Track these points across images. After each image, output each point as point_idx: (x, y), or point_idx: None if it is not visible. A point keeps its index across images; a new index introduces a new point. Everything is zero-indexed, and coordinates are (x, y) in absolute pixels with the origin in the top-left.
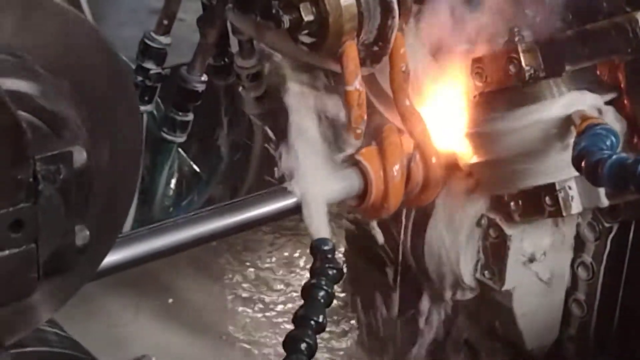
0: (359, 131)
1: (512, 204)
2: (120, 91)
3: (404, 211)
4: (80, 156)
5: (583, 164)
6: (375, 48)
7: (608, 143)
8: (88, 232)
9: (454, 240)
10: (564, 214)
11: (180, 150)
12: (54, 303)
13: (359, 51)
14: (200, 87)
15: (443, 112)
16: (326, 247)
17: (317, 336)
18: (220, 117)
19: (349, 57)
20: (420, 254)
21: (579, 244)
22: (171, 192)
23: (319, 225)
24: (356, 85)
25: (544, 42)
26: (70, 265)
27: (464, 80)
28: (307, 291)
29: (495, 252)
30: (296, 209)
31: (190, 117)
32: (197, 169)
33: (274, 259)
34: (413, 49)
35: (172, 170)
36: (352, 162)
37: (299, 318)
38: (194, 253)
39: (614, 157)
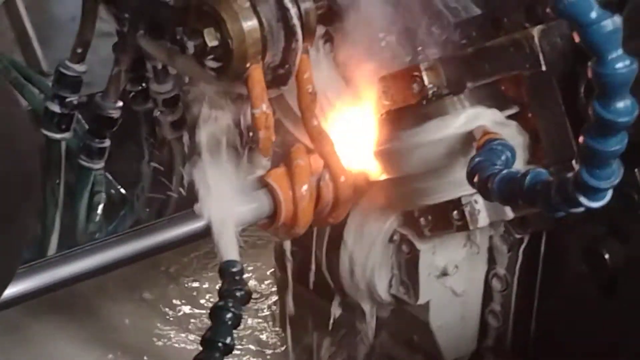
0: (267, 152)
1: (422, 219)
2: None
3: (316, 230)
4: None
5: (475, 179)
6: (281, 71)
7: (503, 158)
8: None
9: (367, 257)
10: (471, 227)
11: (107, 175)
12: None
13: (266, 74)
14: (115, 114)
15: (352, 131)
16: (234, 269)
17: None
18: (140, 142)
19: (254, 81)
20: (335, 271)
21: (493, 256)
22: (97, 218)
23: (228, 247)
24: (263, 108)
25: (445, 60)
26: None
27: (373, 100)
28: (215, 313)
29: (408, 268)
30: (205, 232)
31: (106, 143)
32: (124, 192)
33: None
34: (322, 69)
35: (99, 195)
36: (262, 183)
37: (206, 340)
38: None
39: (504, 172)
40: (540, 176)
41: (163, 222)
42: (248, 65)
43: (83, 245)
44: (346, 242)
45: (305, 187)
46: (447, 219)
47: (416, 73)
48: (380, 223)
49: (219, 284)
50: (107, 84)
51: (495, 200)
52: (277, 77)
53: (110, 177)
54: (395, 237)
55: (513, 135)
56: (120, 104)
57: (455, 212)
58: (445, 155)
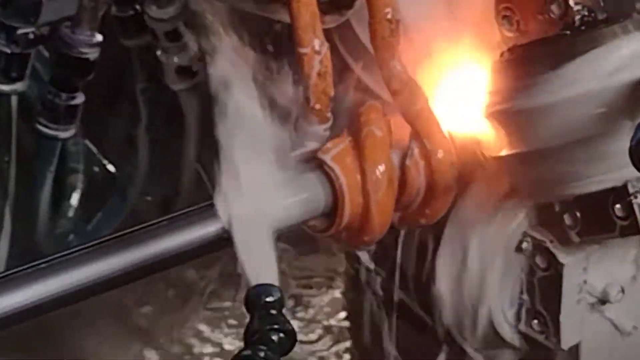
0: (323, 114)
1: (566, 216)
2: None
3: (401, 233)
4: None
5: None
6: None
7: None
8: None
9: (481, 276)
10: None
11: (89, 144)
12: None
13: None
14: (92, 53)
15: (457, 80)
16: (269, 299)
17: None
18: (135, 96)
19: (300, 3)
20: (428, 296)
21: None
22: (70, 212)
23: (260, 263)
24: (315, 45)
25: None
26: None
27: (489, 30)
28: None
29: (546, 291)
30: (222, 241)
31: (79, 99)
32: (114, 170)
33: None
34: None
35: (74, 177)
36: (314, 163)
37: None
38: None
39: None
40: None
41: (158, 226)
42: None
43: (48, 258)
44: (444, 253)
45: (381, 167)
46: (606, 216)
47: None
48: (502, 223)
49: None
50: (78, 8)
51: None
52: None
53: (93, 148)
54: (526, 245)
55: None
56: (99, 37)
57: (618, 206)
58: (600, 117)
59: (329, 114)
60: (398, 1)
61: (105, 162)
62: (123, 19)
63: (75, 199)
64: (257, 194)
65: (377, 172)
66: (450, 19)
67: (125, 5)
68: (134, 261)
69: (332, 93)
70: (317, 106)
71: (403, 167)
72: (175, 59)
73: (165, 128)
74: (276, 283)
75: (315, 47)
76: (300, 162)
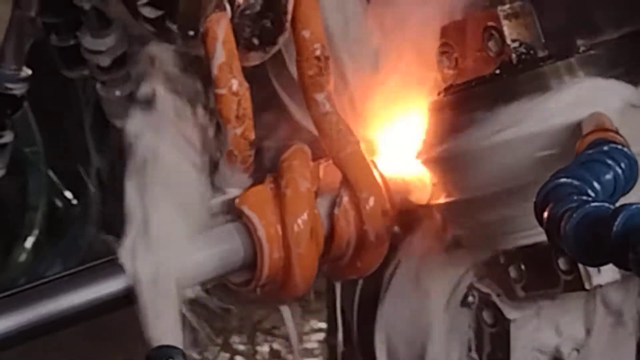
0: (243, 159)
1: (511, 269)
2: None
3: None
4: None
5: (546, 212)
6: (266, 21)
7: (608, 177)
8: None
9: (425, 332)
10: (587, 286)
11: (51, 174)
12: None
13: (239, 28)
14: (19, 89)
15: (392, 122)
16: None
17: None
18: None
19: (216, 40)
20: (371, 352)
21: None
22: (24, 256)
23: (164, 323)
24: (232, 85)
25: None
26: None
27: (428, 68)
28: None
29: (495, 349)
30: (126, 298)
31: (7, 137)
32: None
33: None
34: (342, 16)
35: (31, 216)
36: (233, 213)
37: None
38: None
39: (591, 205)
40: (638, 216)
41: (58, 282)
42: (205, 13)
43: None
44: (387, 307)
45: (303, 216)
46: (551, 270)
47: (491, 23)
48: (447, 275)
49: None
50: (5, 36)
51: (570, 254)
52: (260, 32)
53: (55, 179)
54: (472, 299)
55: None
56: (27, 72)
57: (562, 260)
58: (539, 162)
59: (250, 159)
60: (331, 37)
61: (66, 193)
62: (63, 49)
63: (30, 242)
64: (167, 247)
65: (299, 224)
66: (389, 55)
67: (66, 34)
68: (31, 319)
69: (252, 137)
70: (236, 151)
71: (332, 217)
72: (117, 92)
73: (111, 166)
74: (179, 344)
75: (232, 88)
76: (220, 211)
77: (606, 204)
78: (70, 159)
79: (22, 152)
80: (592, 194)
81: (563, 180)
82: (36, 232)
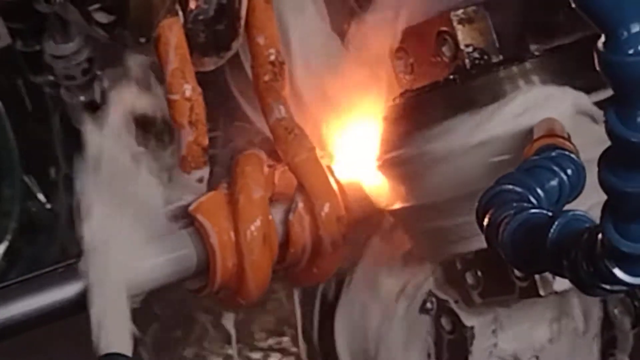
0: (197, 165)
1: (468, 275)
2: None
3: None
4: None
5: (486, 218)
6: (219, 26)
7: (553, 183)
8: None
9: (382, 339)
10: (542, 292)
11: (25, 178)
12: None
13: (193, 33)
14: None
15: (348, 127)
16: None
17: None
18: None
19: (168, 45)
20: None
21: (610, 336)
22: None
23: (113, 330)
24: (185, 91)
25: (496, 4)
26: None
27: (385, 73)
28: None
29: (454, 356)
30: (81, 303)
31: None
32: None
33: None
34: (301, 20)
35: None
36: (187, 219)
37: None
38: None
39: (529, 212)
40: (574, 223)
41: (11, 287)
42: (157, 17)
43: None
44: (343, 313)
45: (256, 222)
46: (506, 276)
47: (444, 27)
48: (405, 281)
49: None
50: None
51: (508, 261)
52: (214, 37)
53: (31, 184)
54: (430, 305)
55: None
56: None
57: None
58: (492, 168)
59: (204, 165)
60: (289, 41)
61: (41, 197)
62: (28, 54)
63: (2, 248)
64: (119, 253)
65: (252, 230)
66: (346, 59)
67: (31, 40)
68: None
69: (205, 143)
70: (190, 157)
71: (287, 223)
72: (81, 97)
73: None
74: (128, 352)
75: (185, 94)
76: (174, 217)
77: (544, 211)
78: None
79: None
80: (535, 201)
81: (505, 186)
82: (9, 237)
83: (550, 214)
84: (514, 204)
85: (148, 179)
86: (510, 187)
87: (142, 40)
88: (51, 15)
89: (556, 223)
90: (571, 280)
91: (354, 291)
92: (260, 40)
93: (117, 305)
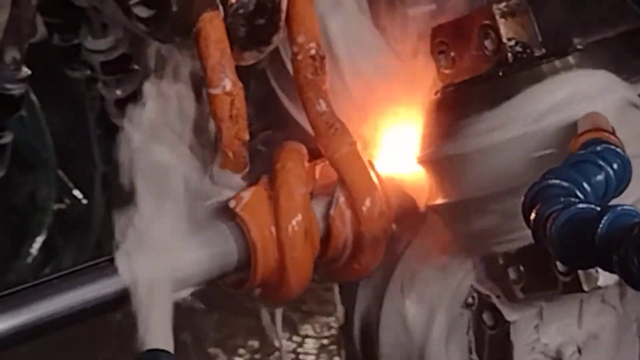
0: (237, 160)
1: (510, 271)
2: None
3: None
4: None
5: (533, 213)
6: (260, 20)
7: (599, 178)
8: None
9: (425, 333)
10: (586, 288)
11: (60, 172)
12: None
13: (233, 27)
14: (18, 89)
15: (390, 122)
16: None
17: None
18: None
19: (209, 39)
20: (373, 352)
21: None
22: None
23: (156, 325)
24: (226, 85)
25: None
26: None
27: (427, 68)
28: None
29: (496, 351)
30: (122, 300)
31: (7, 138)
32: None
33: None
34: (340, 15)
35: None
36: (227, 215)
37: None
38: None
39: (578, 206)
40: (623, 218)
41: (52, 283)
42: (198, 12)
43: None
44: (388, 309)
45: (297, 217)
46: (549, 272)
47: (487, 21)
48: (448, 276)
49: None
50: (2, 38)
51: (555, 255)
52: (254, 32)
53: (66, 180)
54: (472, 300)
55: None
56: (26, 72)
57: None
58: (536, 162)
59: (245, 160)
60: (329, 35)
61: (76, 193)
62: (65, 48)
63: (35, 248)
64: (163, 250)
65: (293, 226)
66: (387, 53)
67: (68, 34)
68: (26, 321)
69: (246, 137)
70: (230, 152)
71: (328, 218)
72: (118, 92)
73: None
74: (170, 348)
75: (226, 88)
76: (214, 213)
77: (592, 206)
78: (79, 158)
79: (32, 151)
80: (581, 196)
81: (552, 181)
82: (45, 232)
83: (598, 208)
84: (562, 199)
85: (187, 174)
86: (557, 181)
87: (181, 36)
88: (89, 10)
89: (605, 218)
90: (620, 275)
91: (396, 287)
92: (301, 34)
93: (161, 302)
